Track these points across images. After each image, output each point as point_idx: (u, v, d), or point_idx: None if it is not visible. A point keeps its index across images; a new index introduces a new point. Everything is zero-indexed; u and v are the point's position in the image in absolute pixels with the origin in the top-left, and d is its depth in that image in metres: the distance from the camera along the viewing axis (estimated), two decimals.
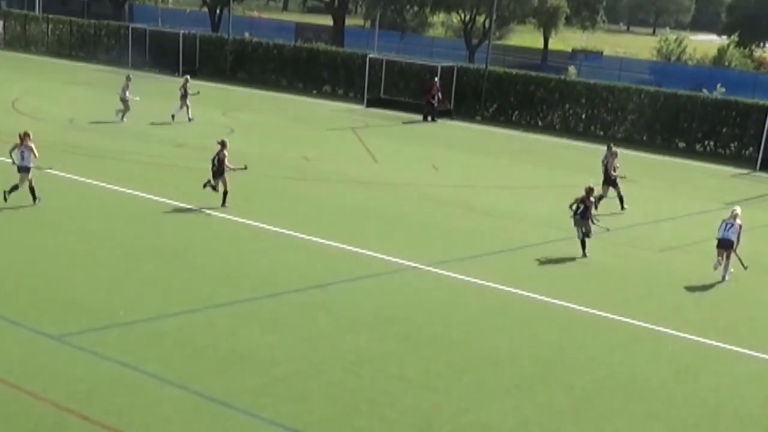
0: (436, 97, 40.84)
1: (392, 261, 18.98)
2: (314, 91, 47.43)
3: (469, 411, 12.53)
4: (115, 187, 23.30)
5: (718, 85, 49.30)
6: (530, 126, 41.61)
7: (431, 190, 26.58)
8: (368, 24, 71.23)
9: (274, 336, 14.52)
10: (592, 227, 20.51)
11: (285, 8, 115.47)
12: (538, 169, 31.27)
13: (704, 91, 44.90)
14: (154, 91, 43.68)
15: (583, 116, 40.93)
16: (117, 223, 20.50)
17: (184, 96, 34.68)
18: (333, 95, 46.52)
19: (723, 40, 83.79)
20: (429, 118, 40.79)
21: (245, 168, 22.69)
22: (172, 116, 34.50)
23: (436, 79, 41.40)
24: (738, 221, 19.70)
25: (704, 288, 19.21)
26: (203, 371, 13.00)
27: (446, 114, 41.87)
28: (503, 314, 16.60)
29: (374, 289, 17.43)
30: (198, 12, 74.90)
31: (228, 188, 22.05)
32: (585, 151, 33.54)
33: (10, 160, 20.77)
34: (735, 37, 75.37)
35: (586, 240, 20.39)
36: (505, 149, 35.08)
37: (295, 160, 28.65)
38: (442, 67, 43.31)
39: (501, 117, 42.58)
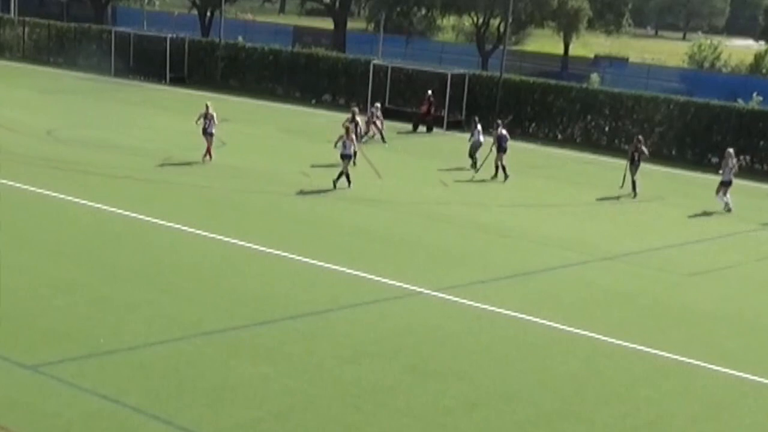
0: (429, 111, 41.21)
1: (397, 286, 19.06)
2: (313, 101, 47.67)
3: None
4: (96, 205, 23.45)
5: (755, 95, 49.47)
6: (549, 139, 41.76)
7: (440, 208, 26.70)
8: (372, 28, 71.48)
9: (268, 367, 14.60)
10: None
11: (282, 10, 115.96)
12: (556, 186, 31.38)
13: (740, 101, 45.04)
14: (139, 100, 44.04)
15: (607, 128, 41.04)
16: (97, 243, 20.62)
17: (368, 122, 36.78)
18: (333, 105, 46.71)
19: (760, 45, 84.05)
20: (424, 129, 41.14)
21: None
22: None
23: (429, 92, 41.62)
24: (732, 160, 29.19)
25: (738, 316, 19.23)
26: (191, 405, 13.07)
27: (457, 125, 42.07)
28: (518, 344, 16.66)
29: (377, 316, 17.51)
30: (186, 15, 75.37)
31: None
32: (608, 167, 33.63)
33: None
34: None
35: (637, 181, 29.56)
36: (520, 164, 35.14)
37: (292, 175, 28.81)
38: (452, 75, 43.55)
39: (517, 129, 42.61)
